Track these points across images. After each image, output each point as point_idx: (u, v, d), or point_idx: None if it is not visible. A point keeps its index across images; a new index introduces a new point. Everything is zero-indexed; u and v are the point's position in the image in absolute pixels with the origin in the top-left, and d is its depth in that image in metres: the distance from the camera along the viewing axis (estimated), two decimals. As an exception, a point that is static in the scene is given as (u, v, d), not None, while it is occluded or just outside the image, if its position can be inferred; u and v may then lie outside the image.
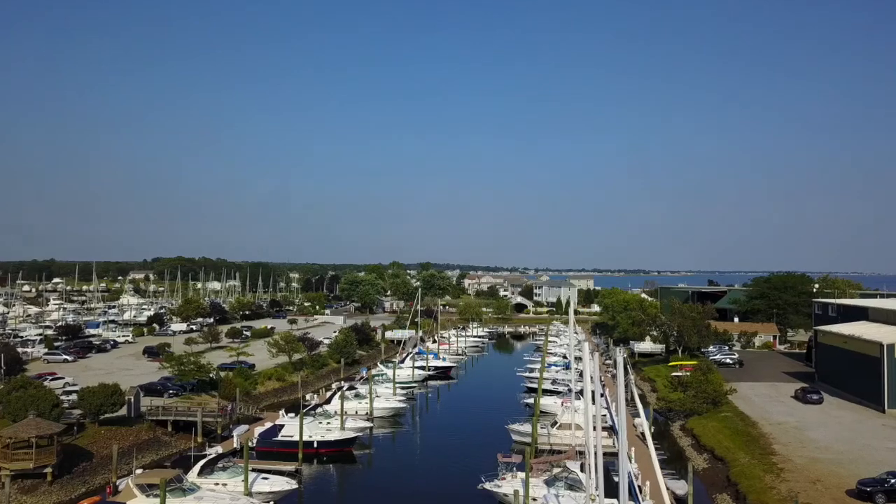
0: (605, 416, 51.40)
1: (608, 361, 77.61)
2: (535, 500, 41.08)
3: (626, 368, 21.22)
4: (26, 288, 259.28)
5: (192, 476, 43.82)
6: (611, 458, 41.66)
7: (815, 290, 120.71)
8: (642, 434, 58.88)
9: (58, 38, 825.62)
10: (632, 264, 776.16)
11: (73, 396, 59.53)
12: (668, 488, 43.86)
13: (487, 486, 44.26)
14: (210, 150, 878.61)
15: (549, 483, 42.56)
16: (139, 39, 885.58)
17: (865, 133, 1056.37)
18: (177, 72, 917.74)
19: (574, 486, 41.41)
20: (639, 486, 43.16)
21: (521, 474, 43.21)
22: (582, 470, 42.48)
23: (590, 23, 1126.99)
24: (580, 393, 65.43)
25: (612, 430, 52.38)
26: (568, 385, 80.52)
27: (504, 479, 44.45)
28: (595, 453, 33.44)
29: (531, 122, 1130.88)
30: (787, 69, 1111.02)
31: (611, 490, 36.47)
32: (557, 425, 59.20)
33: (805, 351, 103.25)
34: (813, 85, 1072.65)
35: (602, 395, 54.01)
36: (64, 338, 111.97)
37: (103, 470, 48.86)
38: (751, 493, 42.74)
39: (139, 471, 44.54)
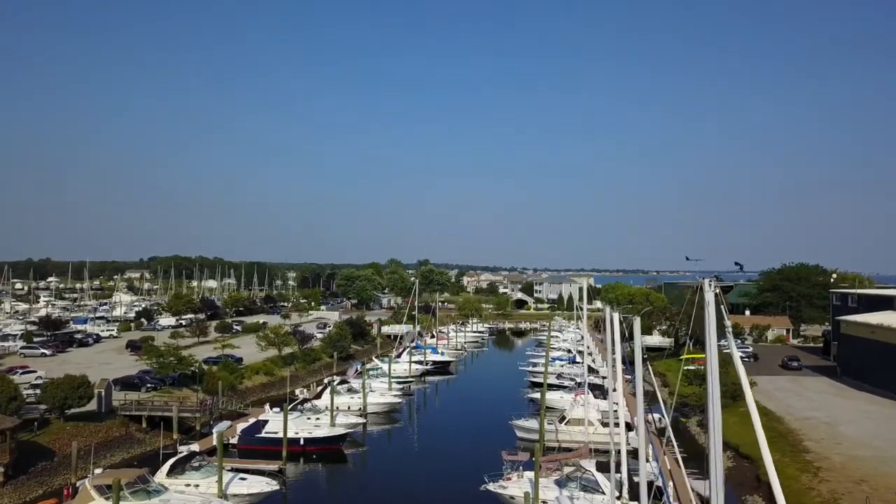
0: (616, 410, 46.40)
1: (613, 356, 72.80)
2: (545, 502, 36.56)
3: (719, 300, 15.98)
4: (19, 286, 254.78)
5: (161, 476, 39.30)
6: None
7: (832, 280, 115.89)
8: (660, 430, 54.45)
9: (58, 35, 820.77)
10: (631, 264, 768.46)
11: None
12: (692, 489, 39.57)
13: (491, 486, 39.67)
14: (209, 149, 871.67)
15: (561, 484, 37.93)
16: (139, 37, 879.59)
17: (865, 133, 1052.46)
18: (175, 69, 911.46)
19: (589, 487, 36.74)
20: (658, 487, 38.87)
21: (529, 474, 38.70)
22: (598, 469, 37.91)
23: (589, 19, 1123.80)
24: (592, 386, 60.93)
25: (628, 425, 47.73)
26: (574, 379, 76.03)
27: (510, 479, 39.91)
28: (632, 449, 28.73)
29: (530, 122, 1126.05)
30: (786, 68, 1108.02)
31: (633, 492, 31.94)
32: (566, 421, 54.60)
33: (822, 344, 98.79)
34: (811, 85, 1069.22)
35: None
36: (47, 333, 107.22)
37: (65, 470, 44.19)
38: (787, 495, 37.30)
39: (98, 470, 39.83)
